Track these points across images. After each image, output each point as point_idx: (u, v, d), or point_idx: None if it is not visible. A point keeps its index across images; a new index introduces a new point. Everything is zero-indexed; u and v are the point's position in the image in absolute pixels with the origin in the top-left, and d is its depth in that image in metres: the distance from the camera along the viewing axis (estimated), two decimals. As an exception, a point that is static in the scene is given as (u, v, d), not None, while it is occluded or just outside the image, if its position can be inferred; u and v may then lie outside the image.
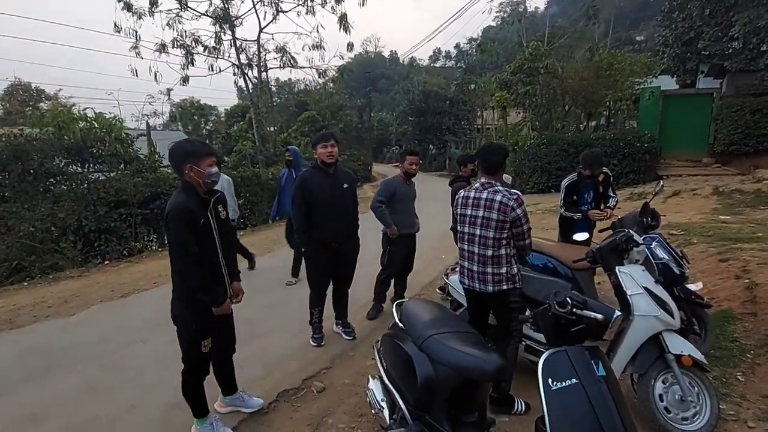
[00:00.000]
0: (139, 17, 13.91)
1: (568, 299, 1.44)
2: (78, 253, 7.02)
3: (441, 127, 29.49)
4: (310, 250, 3.51)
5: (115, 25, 13.70)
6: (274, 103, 27.86)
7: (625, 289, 2.53)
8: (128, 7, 13.60)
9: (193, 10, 14.68)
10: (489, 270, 2.54)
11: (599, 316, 1.40)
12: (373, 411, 2.31)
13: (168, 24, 14.47)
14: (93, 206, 7.29)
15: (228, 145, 21.25)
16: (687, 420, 2.41)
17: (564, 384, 1.35)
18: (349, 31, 16.28)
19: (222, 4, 15.10)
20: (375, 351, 2.46)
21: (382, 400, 2.23)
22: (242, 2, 20.17)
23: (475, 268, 2.59)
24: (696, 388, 2.45)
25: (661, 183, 4.26)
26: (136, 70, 14.41)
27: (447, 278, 3.51)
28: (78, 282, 5.93)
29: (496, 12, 43.08)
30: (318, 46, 17.36)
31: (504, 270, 2.51)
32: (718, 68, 11.70)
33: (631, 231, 2.75)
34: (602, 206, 4.16)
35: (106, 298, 5.06)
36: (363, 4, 16.99)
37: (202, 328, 2.27)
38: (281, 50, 17.38)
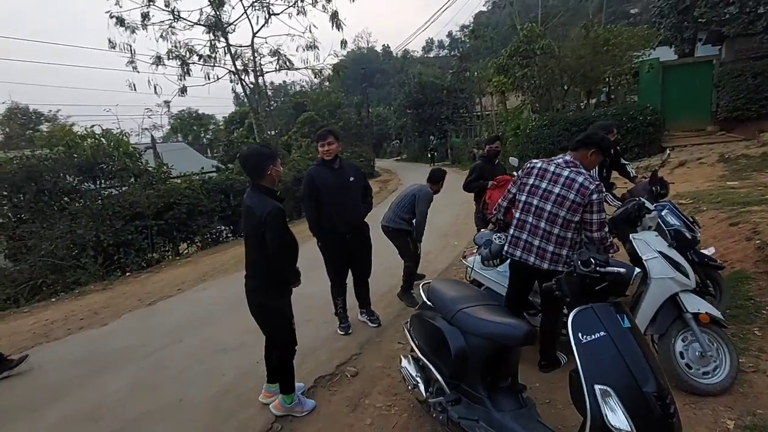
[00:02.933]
0: (132, 31, 14.06)
1: (591, 259, 1.55)
2: (99, 268, 7.21)
3: (440, 117, 29.45)
4: (325, 244, 3.63)
5: (110, 41, 13.86)
6: (271, 107, 27.97)
7: (640, 254, 2.64)
8: (121, 22, 13.74)
9: (186, 20, 14.79)
10: (550, 248, 2.51)
11: (622, 270, 1.51)
12: (408, 387, 2.44)
13: (162, 36, 14.62)
14: (110, 221, 7.48)
15: (231, 152, 21.40)
16: (708, 374, 2.52)
17: (593, 337, 1.46)
18: (342, 29, 16.33)
19: (214, 12, 15.20)
20: (405, 331, 2.59)
21: (416, 376, 2.36)
22: (233, 8, 20.21)
23: (536, 242, 2.55)
24: (715, 344, 2.55)
25: (668, 152, 4.33)
26: (134, 85, 14.60)
27: (465, 260, 3.63)
28: (104, 294, 6.10)
29: (486, -3, 42.66)
30: (312, 46, 17.40)
31: (564, 252, 2.50)
32: (716, 34, 11.62)
33: (641, 199, 2.84)
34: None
35: (135, 307, 5.23)
36: (353, 0, 17.03)
37: (291, 312, 2.57)
38: (275, 53, 17.48)
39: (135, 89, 14.92)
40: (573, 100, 15.64)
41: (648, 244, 2.65)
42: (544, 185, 2.54)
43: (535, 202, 2.57)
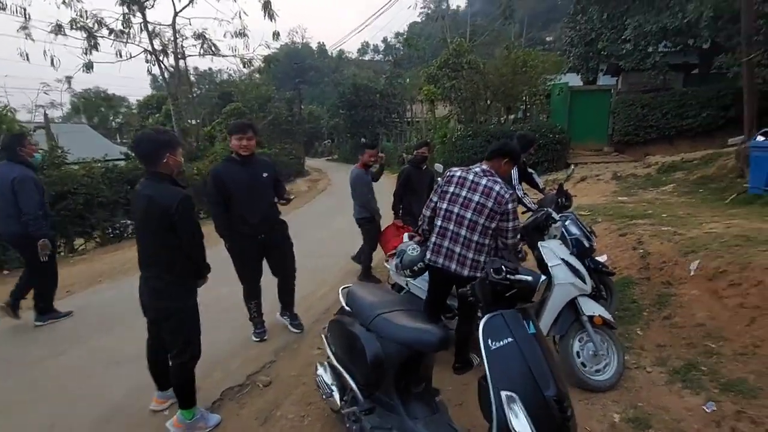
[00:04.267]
0: (28, -8, 12.21)
1: (502, 267, 1.60)
2: (-35, 266, 6.06)
3: (373, 120, 29.74)
4: (235, 245, 3.37)
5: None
6: (194, 94, 26.03)
7: (546, 261, 2.83)
8: (13, -20, 11.85)
9: (95, -12, 13.19)
10: (470, 255, 2.59)
11: (530, 278, 1.58)
12: (323, 396, 2.35)
13: (64, 2, 12.86)
14: (-19, 210, 6.31)
15: (143, 139, 19.41)
16: (599, 371, 2.77)
17: (501, 343, 1.51)
18: (274, 19, 15.76)
19: (129, -17, 13.78)
20: (323, 337, 2.49)
21: (331, 385, 2.27)
22: (153, -19, 18.35)
23: (457, 249, 2.61)
24: (605, 344, 2.82)
25: (572, 168, 4.75)
26: (27, 55, 12.66)
27: (388, 263, 3.63)
28: (-34, 297, 5.12)
29: (421, 8, 44.25)
30: (241, 34, 16.55)
31: (482, 258, 2.60)
32: (614, 67, 13.18)
33: (549, 209, 3.06)
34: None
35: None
36: (288, -8, 16.49)
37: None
38: (200, 37, 16.32)
39: (28, 59, 12.97)
40: (494, 114, 16.74)
41: (553, 251, 2.85)
42: (464, 193, 2.62)
43: (456, 209, 2.64)
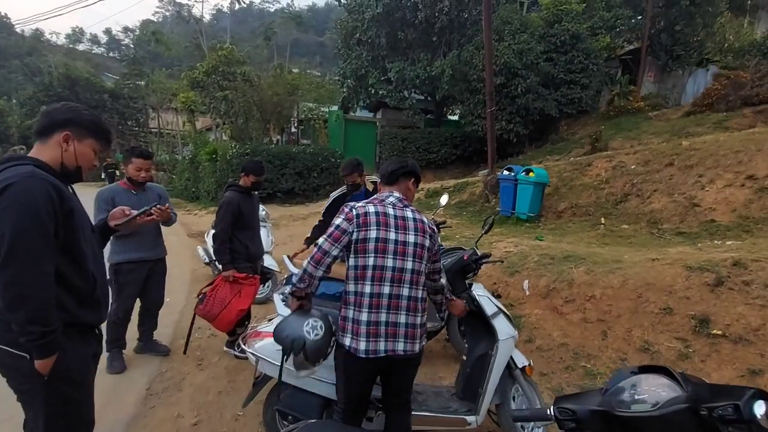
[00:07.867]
0: None
1: None
2: None
3: (100, 126, 23.38)
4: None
5: None
6: None
7: (486, 312, 2.32)
8: None
9: None
10: (418, 321, 1.84)
11: None
12: None
13: None
14: None
15: None
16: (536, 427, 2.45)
17: None
18: None
19: None
20: None
21: None
22: None
23: (401, 319, 1.80)
24: (533, 395, 2.54)
25: (446, 196, 4.27)
26: None
27: (249, 346, 2.31)
28: None
29: (157, 7, 38.90)
30: None
31: (424, 320, 1.91)
32: (375, 103, 14.82)
33: (473, 247, 2.61)
34: None
35: None
36: None
37: None
38: None
39: None
40: (264, 133, 15.92)
41: (490, 299, 2.38)
42: (393, 236, 1.81)
43: (389, 263, 1.80)
